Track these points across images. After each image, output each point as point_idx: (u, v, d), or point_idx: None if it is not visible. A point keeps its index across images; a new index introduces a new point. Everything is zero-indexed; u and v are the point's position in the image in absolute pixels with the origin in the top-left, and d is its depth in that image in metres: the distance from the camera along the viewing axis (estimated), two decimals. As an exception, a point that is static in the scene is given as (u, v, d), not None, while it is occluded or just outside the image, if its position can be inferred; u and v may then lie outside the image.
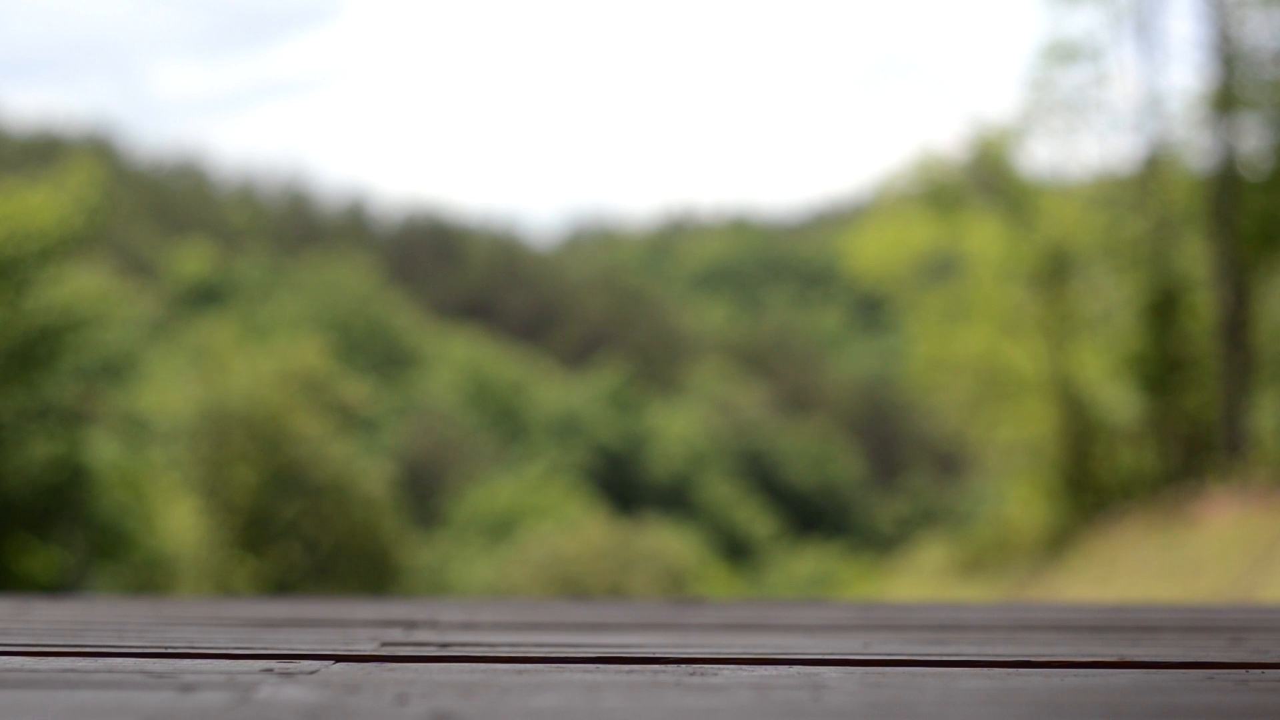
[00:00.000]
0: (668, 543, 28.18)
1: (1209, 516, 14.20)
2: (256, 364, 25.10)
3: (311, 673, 0.98)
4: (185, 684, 0.90)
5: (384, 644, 1.24)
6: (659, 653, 1.17)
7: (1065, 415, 20.01)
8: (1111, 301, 20.05)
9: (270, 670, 0.99)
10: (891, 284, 23.09)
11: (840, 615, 1.67)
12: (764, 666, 1.07)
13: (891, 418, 41.12)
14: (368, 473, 25.12)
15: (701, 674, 1.00)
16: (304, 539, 23.45)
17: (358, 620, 1.67)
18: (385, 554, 24.05)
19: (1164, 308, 19.02)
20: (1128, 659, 1.15)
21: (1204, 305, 19.17)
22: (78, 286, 18.70)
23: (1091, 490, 19.27)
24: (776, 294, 48.83)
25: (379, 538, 24.08)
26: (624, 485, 37.19)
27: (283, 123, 79.72)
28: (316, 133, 78.86)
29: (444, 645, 1.23)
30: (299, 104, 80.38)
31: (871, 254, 22.22)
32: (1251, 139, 18.93)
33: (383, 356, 37.60)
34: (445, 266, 47.47)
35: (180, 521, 21.78)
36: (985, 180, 21.18)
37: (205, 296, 37.02)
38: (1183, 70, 32.17)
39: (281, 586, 21.74)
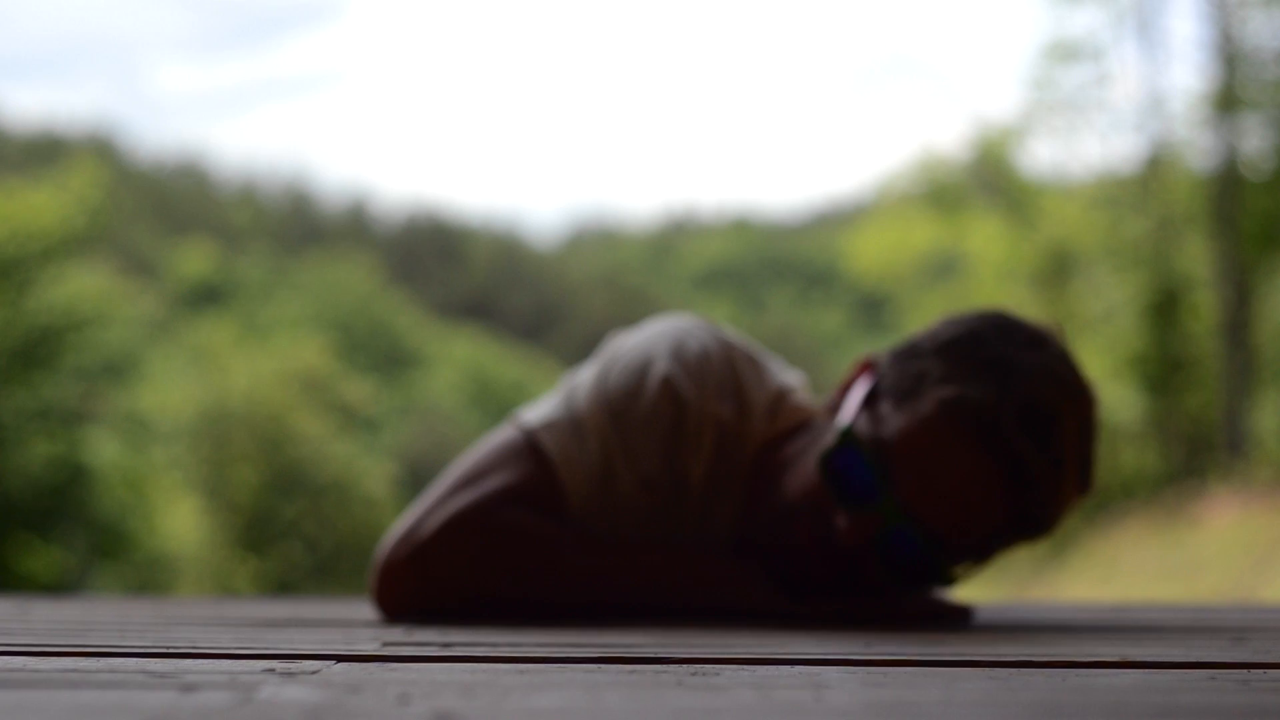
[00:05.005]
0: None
1: (1211, 516, 14.21)
2: (257, 364, 25.12)
3: (313, 673, 0.98)
4: (187, 684, 0.90)
5: (386, 644, 1.24)
6: (660, 652, 1.17)
7: (1067, 415, 20.00)
8: (1113, 301, 20.06)
9: (272, 670, 0.99)
10: (893, 284, 23.09)
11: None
12: (765, 666, 1.07)
13: (893, 418, 41.11)
14: (369, 472, 25.14)
15: (703, 673, 1.00)
16: (305, 539, 23.47)
17: (359, 620, 1.67)
18: (387, 554, 24.04)
19: (1165, 307, 19.03)
20: (1129, 659, 1.15)
21: (1206, 305, 19.19)
22: (79, 286, 18.72)
23: (1093, 490, 19.27)
24: (778, 294, 48.87)
25: (381, 538, 24.12)
26: (625, 485, 37.19)
27: (284, 122, 79.80)
28: (318, 133, 78.94)
29: (446, 645, 1.23)
30: (300, 104, 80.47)
31: (873, 254, 22.23)
32: (1253, 139, 18.95)
33: (384, 356, 37.62)
34: (446, 266, 47.50)
35: (181, 521, 21.80)
36: (987, 180, 21.19)
37: (206, 296, 37.04)
38: (1184, 70, 32.21)
39: (283, 586, 21.76)
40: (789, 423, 1.78)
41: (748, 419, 1.76)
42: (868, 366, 1.75)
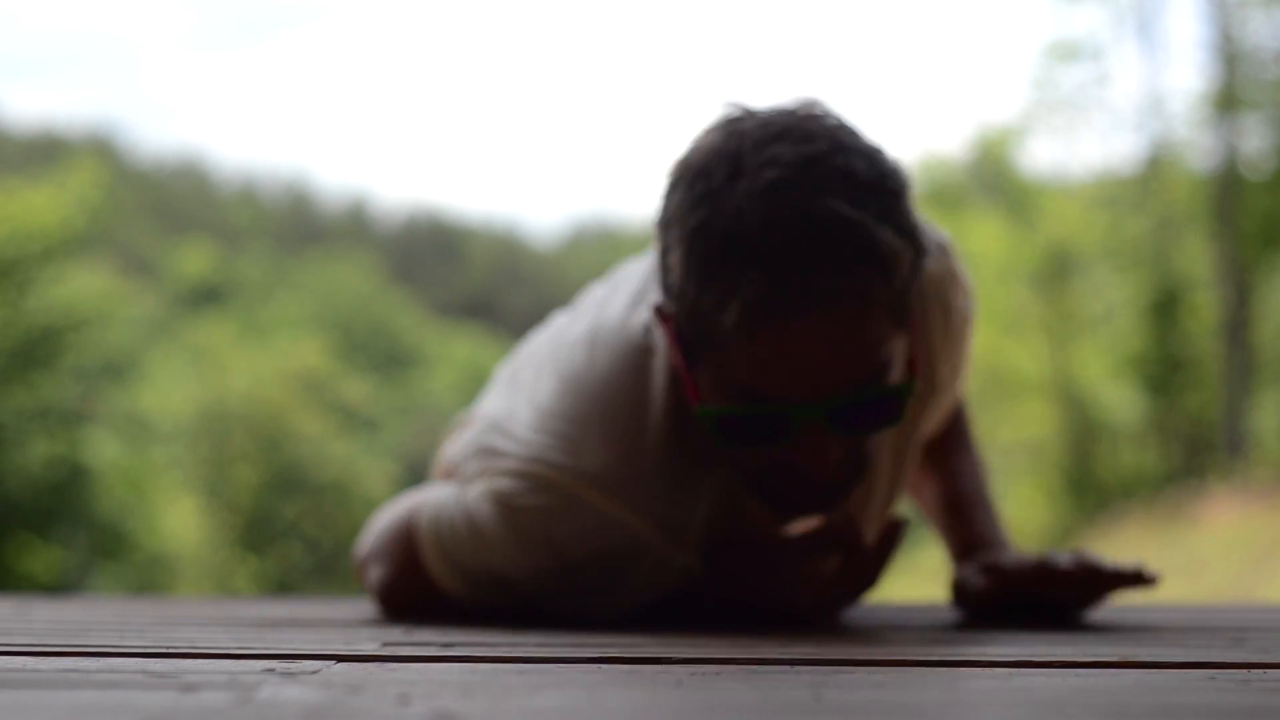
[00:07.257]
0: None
1: (1211, 516, 14.21)
2: (257, 364, 25.13)
3: (313, 673, 0.98)
4: (187, 684, 0.90)
5: (386, 644, 1.24)
6: (660, 652, 1.17)
7: (1067, 415, 20.01)
8: (1113, 301, 20.06)
9: (272, 670, 0.99)
10: (893, 284, 23.08)
11: (842, 615, 1.67)
12: (765, 666, 1.07)
13: (893, 417, 41.09)
14: (369, 472, 25.15)
15: (703, 673, 1.00)
16: (305, 539, 23.47)
17: (359, 620, 1.67)
18: (387, 554, 24.04)
19: (1166, 307, 19.04)
20: (1130, 659, 1.15)
21: (1206, 305, 19.19)
22: (79, 286, 18.71)
23: (1093, 490, 19.27)
24: (778, 294, 48.87)
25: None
26: (625, 485, 37.10)
27: (284, 122, 79.78)
28: (318, 132, 78.93)
29: (446, 645, 1.23)
30: (300, 103, 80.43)
31: (873, 254, 22.21)
32: (1253, 139, 18.96)
33: (384, 356, 37.61)
34: (447, 266, 47.50)
35: (181, 521, 21.80)
36: (987, 180, 21.19)
37: (206, 296, 37.02)
38: (1185, 70, 32.23)
39: (283, 586, 21.76)
40: None
41: None
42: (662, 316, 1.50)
